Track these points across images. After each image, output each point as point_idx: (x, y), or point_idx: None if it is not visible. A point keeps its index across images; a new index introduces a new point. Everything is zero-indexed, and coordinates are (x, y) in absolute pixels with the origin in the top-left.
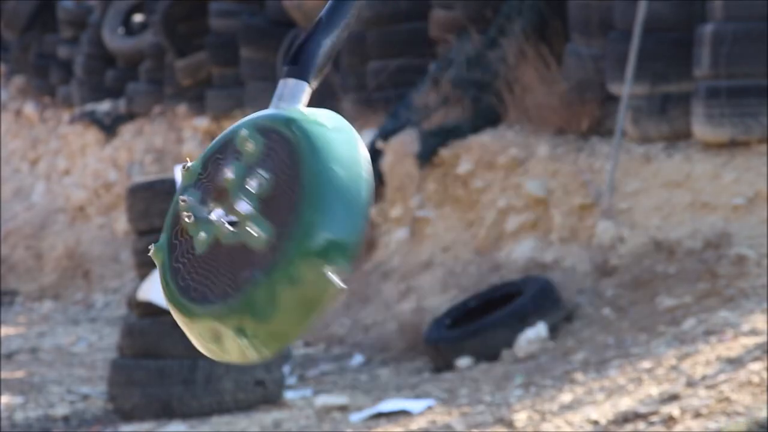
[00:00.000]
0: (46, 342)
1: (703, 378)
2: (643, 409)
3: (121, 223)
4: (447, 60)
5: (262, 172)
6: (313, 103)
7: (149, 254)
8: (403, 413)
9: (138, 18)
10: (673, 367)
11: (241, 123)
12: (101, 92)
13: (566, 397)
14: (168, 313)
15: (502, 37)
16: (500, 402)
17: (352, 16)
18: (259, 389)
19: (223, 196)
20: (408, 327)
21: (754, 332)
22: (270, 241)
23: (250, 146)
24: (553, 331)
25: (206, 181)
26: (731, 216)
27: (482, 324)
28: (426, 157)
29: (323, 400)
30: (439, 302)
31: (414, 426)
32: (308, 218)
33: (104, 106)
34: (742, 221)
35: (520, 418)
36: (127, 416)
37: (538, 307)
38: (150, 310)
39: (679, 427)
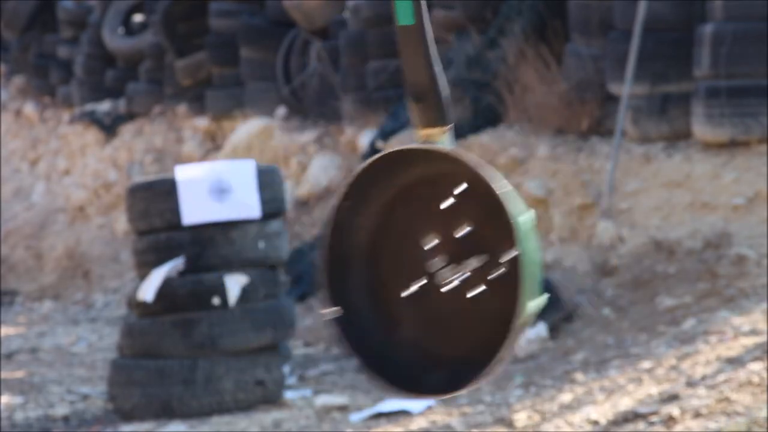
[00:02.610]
0: (46, 342)
1: (703, 378)
2: (643, 409)
3: (121, 223)
4: (447, 60)
5: None
6: (313, 102)
7: None
8: (403, 413)
9: (138, 18)
10: (673, 367)
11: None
12: (101, 92)
13: (566, 397)
14: (167, 312)
15: (502, 37)
16: (500, 402)
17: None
18: (259, 389)
19: None
20: None
21: (754, 332)
22: None
23: None
24: (553, 331)
25: None
26: (731, 216)
27: None
28: None
29: (323, 400)
30: None
31: (414, 426)
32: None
33: (104, 106)
34: (742, 221)
35: (520, 418)
36: (127, 416)
37: None
38: (150, 310)
39: (679, 427)
